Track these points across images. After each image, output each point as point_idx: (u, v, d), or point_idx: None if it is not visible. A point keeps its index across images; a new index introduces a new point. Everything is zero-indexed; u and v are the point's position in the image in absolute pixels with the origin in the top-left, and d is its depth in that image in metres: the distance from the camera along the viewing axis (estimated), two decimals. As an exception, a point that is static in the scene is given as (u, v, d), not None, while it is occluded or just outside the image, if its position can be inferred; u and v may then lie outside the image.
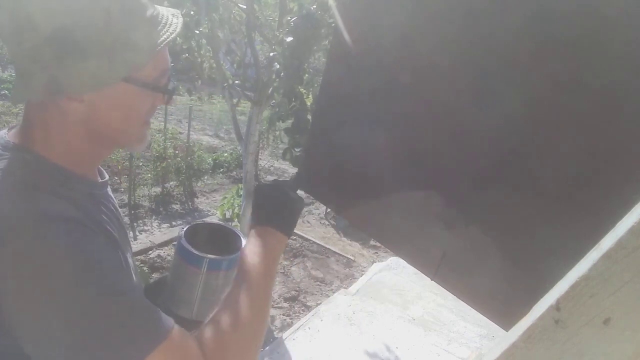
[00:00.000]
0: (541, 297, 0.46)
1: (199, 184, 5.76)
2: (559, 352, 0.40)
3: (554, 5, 0.55)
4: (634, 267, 0.36)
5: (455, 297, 0.72)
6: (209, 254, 0.82)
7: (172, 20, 0.67)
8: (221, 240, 0.92)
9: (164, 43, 0.64)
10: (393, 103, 0.75)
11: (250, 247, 0.75)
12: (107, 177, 0.78)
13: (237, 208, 4.24)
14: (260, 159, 6.87)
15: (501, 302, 0.66)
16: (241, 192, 3.64)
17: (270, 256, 0.74)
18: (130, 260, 0.72)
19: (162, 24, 0.65)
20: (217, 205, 4.97)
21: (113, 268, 0.58)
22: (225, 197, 4.48)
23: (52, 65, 0.58)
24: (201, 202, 5.49)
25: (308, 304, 3.74)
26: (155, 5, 0.67)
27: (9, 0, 0.57)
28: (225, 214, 4.37)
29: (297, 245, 4.70)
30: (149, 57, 0.62)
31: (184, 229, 0.88)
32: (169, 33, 0.65)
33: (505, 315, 0.64)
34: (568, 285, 0.39)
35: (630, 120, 0.50)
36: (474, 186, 0.66)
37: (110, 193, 0.79)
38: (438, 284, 0.74)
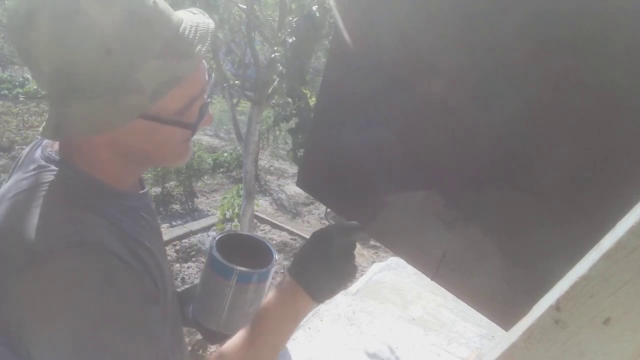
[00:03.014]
0: (541, 297, 0.46)
1: (199, 184, 5.76)
2: (559, 352, 0.40)
3: (554, 5, 0.55)
4: (634, 267, 0.36)
5: (455, 297, 0.72)
6: (240, 266, 0.80)
7: (197, 45, 0.58)
8: (253, 252, 0.90)
9: (175, 82, 0.57)
10: (393, 103, 0.75)
11: (277, 301, 0.70)
12: (146, 187, 0.77)
13: (237, 208, 4.24)
14: (260, 159, 6.87)
15: (501, 302, 0.66)
16: (241, 192, 3.63)
17: (293, 321, 0.70)
18: (166, 270, 0.70)
19: (180, 54, 0.57)
20: (217, 205, 4.96)
21: (140, 308, 0.56)
22: (225, 197, 4.47)
23: (60, 104, 0.56)
24: (201, 202, 5.49)
25: (308, 304, 3.73)
26: (183, 21, 0.59)
27: (17, 40, 0.55)
28: (225, 214, 4.37)
29: (297, 245, 4.70)
30: (155, 98, 0.56)
31: (216, 239, 0.86)
32: (183, 68, 0.56)
33: (505, 315, 0.64)
34: (568, 285, 0.39)
35: (630, 120, 0.50)
36: (474, 186, 0.66)
37: (150, 203, 0.76)
38: (438, 284, 0.74)
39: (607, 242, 0.38)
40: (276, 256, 0.87)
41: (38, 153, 0.65)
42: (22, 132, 6.18)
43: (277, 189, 6.46)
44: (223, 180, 6.35)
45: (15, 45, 0.56)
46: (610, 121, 0.52)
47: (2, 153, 5.47)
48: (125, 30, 0.53)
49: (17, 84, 8.20)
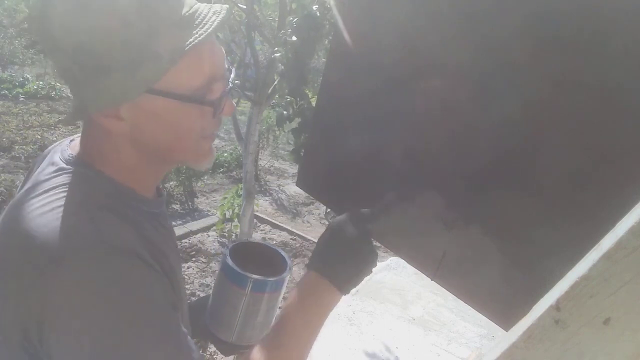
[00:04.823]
0: (541, 297, 0.46)
1: (199, 184, 5.75)
2: (559, 352, 0.40)
3: (554, 5, 0.55)
4: (634, 267, 0.36)
5: (455, 297, 0.72)
6: (253, 274, 0.79)
7: (211, 18, 0.58)
8: (266, 261, 0.89)
9: (188, 47, 0.55)
10: (393, 103, 0.75)
11: (301, 297, 0.68)
12: (164, 194, 0.75)
13: (237, 208, 4.24)
14: (260, 159, 6.86)
15: (501, 302, 0.66)
16: (241, 192, 3.64)
17: (320, 314, 0.68)
18: (181, 281, 0.69)
19: (194, 25, 0.57)
20: (217, 205, 4.96)
21: (163, 311, 0.56)
22: (225, 197, 4.48)
23: (81, 83, 0.56)
24: (201, 202, 5.49)
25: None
26: (197, 3, 0.60)
27: (36, 27, 0.55)
28: (225, 214, 4.37)
29: (297, 245, 4.70)
30: (169, 66, 0.55)
31: (229, 247, 0.85)
32: (196, 35, 0.56)
33: (505, 315, 0.64)
34: (568, 285, 0.39)
35: (630, 120, 0.50)
36: (474, 186, 0.66)
37: (166, 211, 0.75)
38: (438, 284, 0.74)
39: (607, 242, 0.38)
40: (290, 264, 0.86)
41: (57, 155, 0.64)
42: (22, 132, 6.17)
43: (277, 189, 6.46)
44: (223, 180, 6.34)
45: (38, 31, 0.56)
46: (610, 121, 0.52)
47: (2, 153, 5.46)
48: (139, 1, 0.54)
49: (17, 84, 8.20)
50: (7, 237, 0.57)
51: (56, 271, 0.51)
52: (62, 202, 0.56)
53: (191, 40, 0.56)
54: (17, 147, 5.63)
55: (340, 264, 0.70)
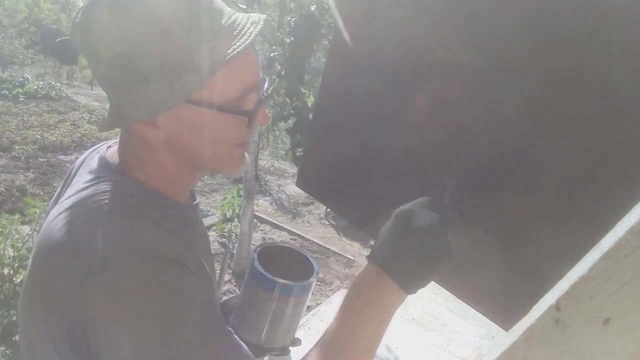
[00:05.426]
0: (541, 297, 0.46)
1: (199, 184, 5.75)
2: (559, 352, 0.40)
3: (554, 4, 0.55)
4: (634, 267, 0.36)
5: (455, 297, 0.72)
6: (280, 277, 0.80)
7: (249, 29, 0.58)
8: (291, 264, 0.90)
9: (227, 59, 0.56)
10: (393, 103, 0.75)
11: (360, 294, 0.64)
12: (197, 199, 0.76)
13: (237, 208, 4.24)
14: (260, 159, 6.86)
15: (501, 302, 0.66)
16: (241, 192, 3.63)
17: (379, 314, 0.63)
18: (213, 283, 0.70)
19: (233, 35, 0.57)
20: (217, 205, 4.96)
21: (206, 313, 0.56)
22: (225, 197, 4.47)
23: (119, 92, 0.57)
24: (201, 202, 5.48)
25: (308, 304, 3.74)
26: (236, 13, 0.60)
27: (78, 36, 0.57)
28: (225, 214, 4.37)
29: (297, 245, 4.70)
30: (208, 77, 0.56)
31: (257, 251, 0.86)
32: (235, 47, 0.56)
33: (505, 315, 0.64)
34: (568, 285, 0.39)
35: (630, 120, 0.50)
36: (474, 186, 0.66)
37: (200, 215, 0.76)
38: (438, 284, 0.74)
39: (607, 242, 0.38)
40: (317, 269, 0.88)
41: (95, 163, 0.65)
42: (22, 132, 6.16)
43: (277, 189, 6.45)
44: (223, 180, 6.34)
45: (80, 41, 0.57)
46: (610, 121, 0.52)
47: (2, 153, 5.46)
48: (180, 13, 0.55)
49: (17, 84, 8.20)
50: (49, 245, 0.58)
51: (97, 279, 0.52)
52: (101, 210, 0.58)
53: (230, 51, 0.56)
54: (17, 147, 5.63)
55: (406, 258, 0.60)
